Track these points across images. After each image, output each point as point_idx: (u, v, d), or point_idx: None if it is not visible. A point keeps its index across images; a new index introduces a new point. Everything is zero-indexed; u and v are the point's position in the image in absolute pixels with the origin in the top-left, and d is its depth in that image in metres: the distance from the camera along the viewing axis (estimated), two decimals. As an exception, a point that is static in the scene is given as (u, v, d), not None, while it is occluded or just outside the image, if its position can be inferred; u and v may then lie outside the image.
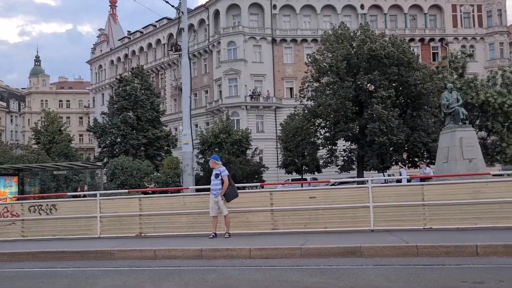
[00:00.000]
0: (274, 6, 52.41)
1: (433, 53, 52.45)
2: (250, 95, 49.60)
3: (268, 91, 50.52)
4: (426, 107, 30.27)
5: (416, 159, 30.54)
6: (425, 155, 30.18)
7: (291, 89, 50.28)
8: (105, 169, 33.77)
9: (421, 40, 52.69)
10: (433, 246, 7.48)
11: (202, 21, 55.57)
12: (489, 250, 7.15)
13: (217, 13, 52.97)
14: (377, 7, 53.50)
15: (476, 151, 16.25)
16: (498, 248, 7.18)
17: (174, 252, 8.36)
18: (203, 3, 55.64)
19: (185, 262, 7.77)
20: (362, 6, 52.94)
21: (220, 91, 51.19)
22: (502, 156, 32.76)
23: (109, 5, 75.88)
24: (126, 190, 16.27)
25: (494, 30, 54.06)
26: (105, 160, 39.78)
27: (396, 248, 7.52)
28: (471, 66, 39.73)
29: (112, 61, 69.82)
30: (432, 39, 53.48)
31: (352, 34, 32.87)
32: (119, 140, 39.52)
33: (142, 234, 10.74)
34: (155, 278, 6.66)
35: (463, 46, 51.71)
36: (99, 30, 76.61)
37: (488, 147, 32.03)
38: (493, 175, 14.06)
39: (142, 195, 12.32)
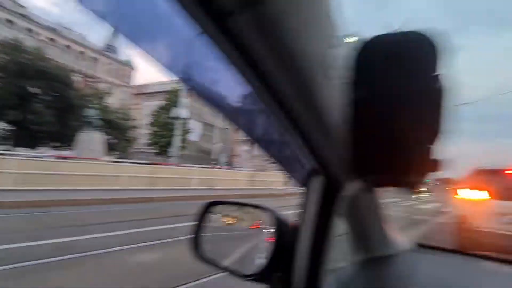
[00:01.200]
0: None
1: (87, 84, 45.30)
2: None
3: None
4: (77, 115, 25.25)
5: (64, 145, 25.45)
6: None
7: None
8: None
9: (84, 74, 44.85)
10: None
11: None
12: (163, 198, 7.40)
13: None
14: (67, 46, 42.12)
15: (98, 146, 15.80)
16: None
17: None
18: None
19: None
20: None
21: None
22: (114, 150, 32.71)
23: None
24: None
25: (126, 84, 53.95)
26: None
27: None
28: (110, 100, 37.93)
29: None
30: (90, 76, 46.82)
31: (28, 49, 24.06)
32: None
33: None
34: None
35: (109, 87, 48.51)
36: None
37: (109, 144, 31.27)
38: (107, 161, 14.01)
39: None
